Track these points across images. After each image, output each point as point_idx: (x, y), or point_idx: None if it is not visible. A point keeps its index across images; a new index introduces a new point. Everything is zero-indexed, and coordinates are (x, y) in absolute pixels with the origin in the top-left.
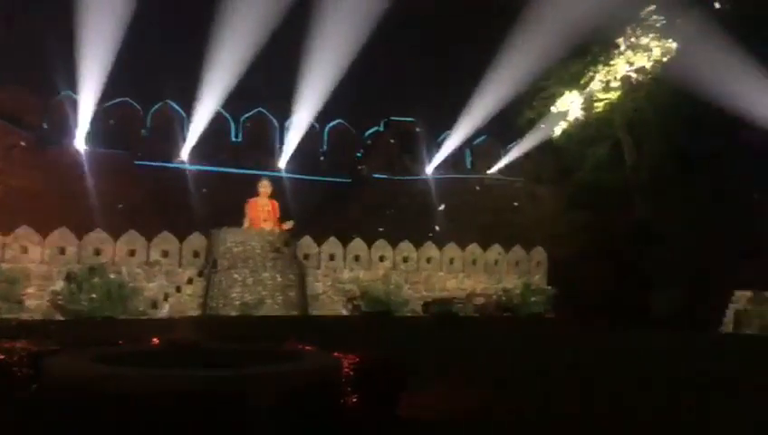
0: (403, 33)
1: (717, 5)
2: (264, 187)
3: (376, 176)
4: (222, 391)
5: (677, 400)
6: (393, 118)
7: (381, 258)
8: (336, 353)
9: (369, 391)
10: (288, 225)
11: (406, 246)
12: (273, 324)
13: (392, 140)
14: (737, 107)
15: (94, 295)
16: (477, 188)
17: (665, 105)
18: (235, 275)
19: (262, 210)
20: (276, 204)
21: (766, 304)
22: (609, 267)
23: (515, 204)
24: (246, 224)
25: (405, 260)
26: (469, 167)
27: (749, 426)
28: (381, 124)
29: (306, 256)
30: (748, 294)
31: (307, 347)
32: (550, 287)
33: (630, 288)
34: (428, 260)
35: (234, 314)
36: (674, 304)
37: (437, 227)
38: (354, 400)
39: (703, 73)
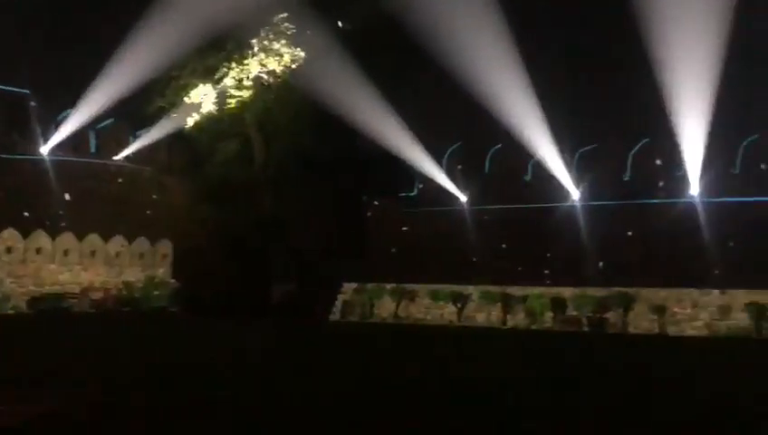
0: None
1: (341, 24)
2: None
3: None
4: None
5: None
6: (0, 87)
7: None
8: None
9: None
10: None
11: (9, 235)
12: None
13: None
14: (355, 117)
15: None
16: (102, 173)
17: (293, 109)
18: None
19: None
20: None
21: (365, 294)
22: (235, 261)
23: (154, 196)
24: None
25: (8, 250)
26: (94, 151)
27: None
28: None
29: None
30: (354, 285)
31: None
32: (173, 281)
33: (254, 281)
34: (38, 251)
35: None
36: (292, 295)
37: (52, 214)
38: None
39: (328, 83)
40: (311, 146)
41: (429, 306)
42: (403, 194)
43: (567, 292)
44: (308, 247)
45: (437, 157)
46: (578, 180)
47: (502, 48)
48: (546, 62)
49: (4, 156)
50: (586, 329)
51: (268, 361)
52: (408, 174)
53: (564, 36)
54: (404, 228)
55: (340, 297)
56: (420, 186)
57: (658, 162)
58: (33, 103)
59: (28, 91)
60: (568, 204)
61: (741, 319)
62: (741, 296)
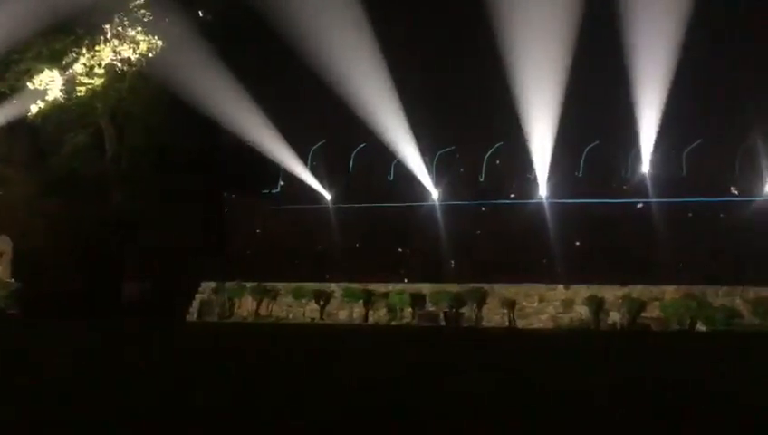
0: None
1: (201, 14)
2: None
3: None
4: None
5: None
6: None
7: None
8: None
9: None
10: None
11: None
12: None
13: None
14: (217, 111)
15: None
16: None
17: (149, 99)
18: None
19: None
20: None
21: (224, 293)
22: (84, 259)
23: None
24: None
25: None
26: None
27: None
28: None
29: None
30: (213, 284)
31: None
32: (13, 281)
33: (104, 280)
34: None
35: None
36: (146, 295)
37: None
38: None
39: (187, 74)
40: (168, 139)
41: (292, 305)
42: (266, 191)
43: (426, 288)
44: (166, 245)
45: (302, 154)
46: (437, 181)
47: (366, 47)
48: (409, 63)
49: None
50: (443, 323)
51: (93, 364)
52: (272, 171)
53: (426, 39)
54: (267, 226)
55: (198, 296)
56: (283, 183)
57: (511, 165)
58: None
59: None
60: (428, 203)
61: (582, 312)
62: (582, 291)
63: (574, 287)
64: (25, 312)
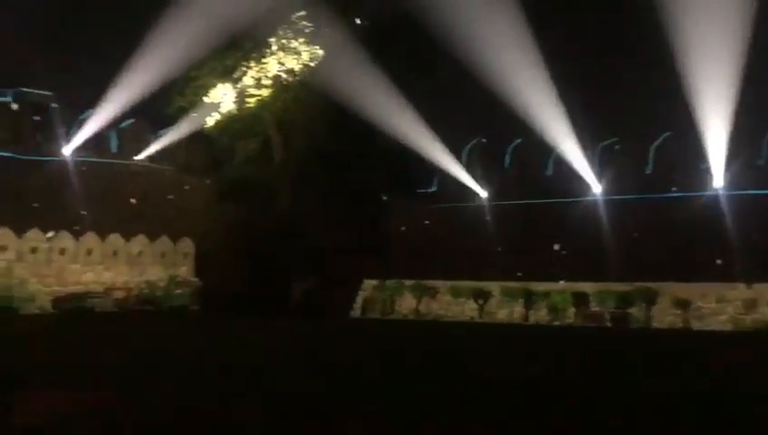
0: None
1: (358, 21)
2: None
3: None
4: None
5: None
6: (25, 89)
7: (1, 248)
8: None
9: None
10: None
11: (34, 235)
12: None
13: (23, 114)
14: (373, 114)
15: None
16: (123, 173)
17: (311, 107)
18: None
19: None
20: None
21: (385, 291)
22: (254, 260)
23: (170, 197)
24: None
25: (33, 251)
26: (115, 150)
27: None
28: (9, 94)
29: None
30: (374, 282)
31: None
32: (196, 280)
33: (273, 279)
34: (62, 251)
35: None
36: (311, 294)
37: (75, 215)
38: None
39: (345, 80)
40: (329, 144)
41: (450, 302)
42: (422, 190)
43: (588, 287)
44: (327, 245)
45: (456, 152)
46: (599, 174)
47: (520, 41)
48: (566, 54)
49: (29, 157)
50: (608, 324)
51: (310, 360)
52: (427, 170)
53: (584, 29)
54: (423, 224)
55: (361, 294)
56: (439, 182)
57: (681, 156)
58: (55, 105)
59: (51, 93)
60: (589, 198)
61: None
62: (767, 290)
63: (758, 286)
64: (205, 309)
